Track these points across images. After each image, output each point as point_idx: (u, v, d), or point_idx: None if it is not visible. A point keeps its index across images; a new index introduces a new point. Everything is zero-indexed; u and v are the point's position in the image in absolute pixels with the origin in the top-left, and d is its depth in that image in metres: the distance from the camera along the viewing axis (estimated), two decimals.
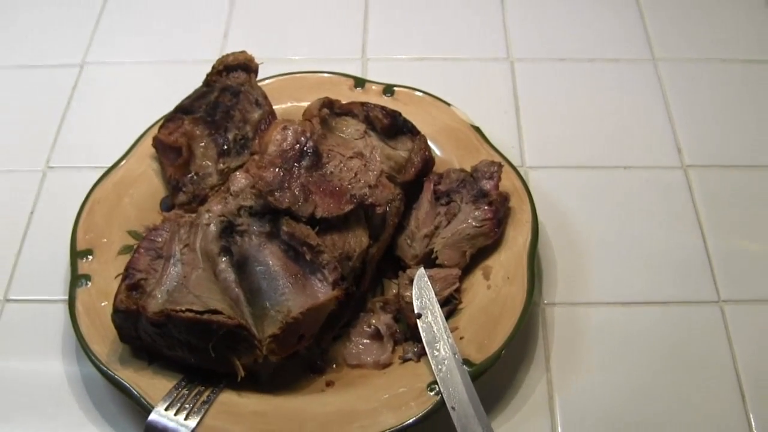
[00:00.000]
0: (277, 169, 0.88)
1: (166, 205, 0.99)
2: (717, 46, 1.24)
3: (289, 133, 0.90)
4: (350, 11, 1.29)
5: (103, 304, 0.91)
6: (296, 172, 0.88)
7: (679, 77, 1.20)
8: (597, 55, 1.23)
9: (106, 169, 1.02)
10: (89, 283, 0.92)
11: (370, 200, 0.89)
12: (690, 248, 1.01)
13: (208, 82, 1.03)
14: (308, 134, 0.90)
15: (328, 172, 0.90)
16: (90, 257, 0.94)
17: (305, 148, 0.90)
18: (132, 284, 0.85)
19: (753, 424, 0.88)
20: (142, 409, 0.84)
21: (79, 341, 0.88)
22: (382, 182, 0.91)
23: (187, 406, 0.84)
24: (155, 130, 1.03)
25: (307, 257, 0.85)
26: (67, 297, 0.95)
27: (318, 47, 1.22)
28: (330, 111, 0.95)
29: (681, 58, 1.23)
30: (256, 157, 0.93)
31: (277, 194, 0.87)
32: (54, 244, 1.01)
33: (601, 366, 0.92)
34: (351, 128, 0.95)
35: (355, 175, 0.90)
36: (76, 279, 0.92)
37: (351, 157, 0.91)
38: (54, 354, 0.94)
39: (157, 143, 1.01)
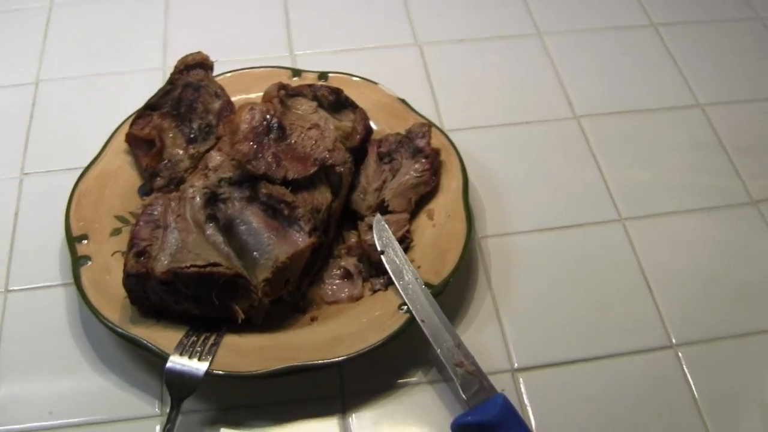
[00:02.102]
0: (251, 143, 1.03)
1: (144, 191, 1.11)
2: (593, 18, 1.45)
3: (256, 112, 1.05)
4: (272, 14, 1.44)
5: (106, 277, 1.02)
6: (267, 144, 1.04)
7: (562, 46, 1.39)
8: (491, 33, 1.41)
9: (81, 169, 1.13)
10: (90, 262, 1.03)
11: (330, 161, 1.05)
12: (591, 181, 1.20)
13: (172, 80, 1.16)
14: (272, 112, 1.06)
15: (293, 141, 1.05)
16: (86, 241, 1.05)
17: (271, 124, 1.05)
18: (138, 251, 0.97)
19: (661, 311, 1.06)
20: (158, 358, 0.95)
21: (91, 311, 0.98)
22: (338, 146, 1.07)
23: (198, 350, 0.96)
24: (124, 129, 1.15)
25: (285, 212, 1.00)
26: (64, 281, 1.07)
27: (251, 49, 1.36)
28: (285, 92, 1.11)
29: (562, 30, 1.42)
30: (224, 138, 1.08)
31: (254, 163, 1.02)
32: (42, 237, 1.11)
33: (532, 281, 1.09)
34: (304, 106, 1.11)
35: (315, 142, 1.06)
36: (78, 260, 1.03)
37: (309, 128, 1.07)
38: (63, 331, 1.04)
39: (130, 138, 1.13)
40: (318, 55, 1.37)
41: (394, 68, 1.34)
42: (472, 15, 1.45)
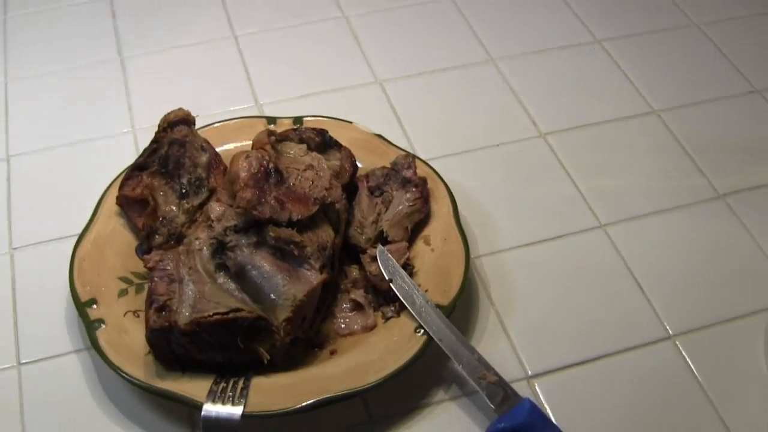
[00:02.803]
0: (253, 189, 1.06)
1: (142, 251, 1.12)
2: (540, 40, 1.52)
3: (253, 159, 1.08)
4: (232, 68, 1.47)
5: (124, 337, 1.03)
6: (268, 189, 1.07)
7: (516, 69, 1.46)
8: (447, 64, 1.46)
9: (69, 237, 1.15)
10: (104, 325, 1.04)
11: (329, 199, 1.09)
12: (567, 193, 1.26)
13: (157, 139, 1.18)
14: (267, 158, 1.09)
15: (291, 184, 1.08)
16: (95, 305, 1.06)
17: (269, 169, 1.08)
18: (159, 306, 0.99)
19: (654, 306, 1.12)
20: (192, 408, 0.97)
21: (115, 371, 0.99)
22: (334, 184, 1.10)
23: (230, 395, 0.98)
24: (112, 192, 1.17)
25: (295, 253, 1.03)
26: (75, 348, 1.08)
27: (217, 104, 1.38)
28: (275, 138, 1.14)
29: (514, 54, 1.49)
30: (220, 188, 1.11)
31: (259, 208, 1.04)
32: (45, 308, 1.12)
33: (530, 292, 1.14)
34: (294, 149, 1.14)
35: (312, 182, 1.09)
36: (91, 324, 1.04)
37: (305, 170, 1.10)
38: (84, 396, 1.04)
39: (122, 200, 1.15)
40: (283, 102, 1.40)
41: (360, 107, 1.38)
42: (425, 49, 1.50)
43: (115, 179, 1.19)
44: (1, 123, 1.39)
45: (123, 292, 1.09)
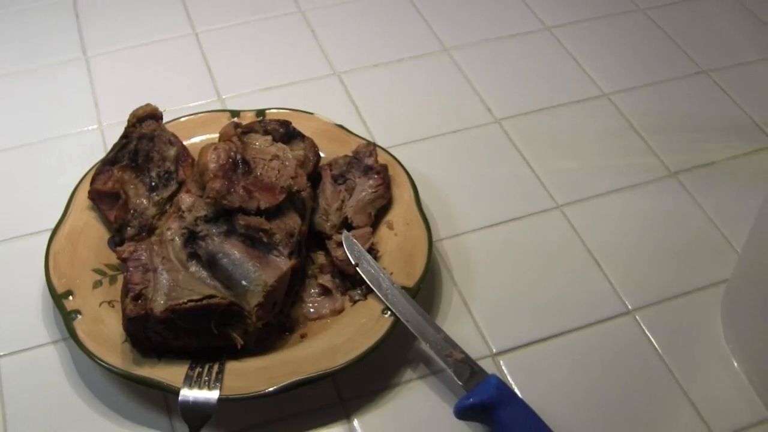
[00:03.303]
0: (222, 180, 1.09)
1: (114, 243, 1.15)
2: (491, 29, 1.57)
3: (221, 151, 1.11)
4: (193, 64, 1.50)
5: (100, 327, 1.06)
6: (236, 179, 1.10)
7: (470, 58, 1.50)
8: (402, 55, 1.51)
9: (41, 232, 1.19)
10: (80, 316, 1.07)
11: (295, 187, 1.12)
12: (523, 176, 1.30)
13: (126, 134, 1.21)
14: (234, 149, 1.13)
15: (259, 173, 1.12)
16: (71, 297, 1.09)
17: (236, 160, 1.11)
18: (135, 295, 1.01)
19: (612, 282, 1.17)
20: (169, 393, 1.01)
21: (93, 360, 1.02)
22: (299, 173, 1.14)
23: (206, 379, 1.01)
24: (83, 187, 1.20)
25: (264, 240, 1.06)
26: (52, 338, 1.11)
27: (180, 99, 1.41)
28: (240, 130, 1.18)
29: (466, 43, 1.53)
30: (189, 180, 1.14)
31: (228, 198, 1.07)
32: (19, 301, 1.14)
33: (492, 273, 1.18)
34: (259, 140, 1.17)
35: (279, 171, 1.13)
36: (68, 315, 1.06)
37: (271, 160, 1.14)
38: (63, 386, 1.07)
39: (94, 194, 1.17)
40: (245, 95, 1.43)
41: (319, 99, 1.41)
42: (379, 40, 1.54)
43: (86, 174, 1.22)
44: None
45: (97, 284, 1.12)
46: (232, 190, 1.08)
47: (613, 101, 1.43)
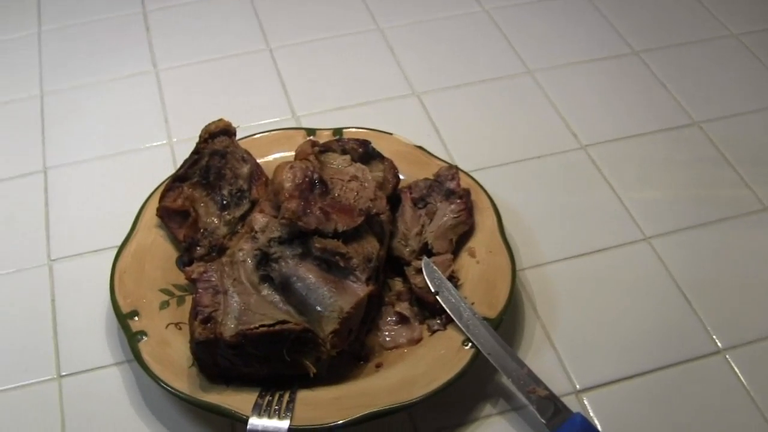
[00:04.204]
0: (298, 200, 1.04)
1: (183, 263, 1.12)
2: (576, 52, 1.51)
3: (297, 170, 1.07)
4: (267, 80, 1.46)
5: (166, 350, 1.02)
6: (313, 199, 1.05)
7: (554, 81, 1.45)
8: (484, 77, 1.45)
9: (108, 249, 1.15)
10: (146, 337, 1.03)
11: (374, 210, 1.07)
12: (609, 205, 1.24)
13: (198, 150, 1.17)
14: (312, 168, 1.08)
15: (336, 194, 1.07)
16: (137, 317, 1.05)
17: (313, 180, 1.07)
18: (204, 318, 0.97)
19: (702, 319, 1.10)
20: (237, 421, 0.96)
21: (158, 384, 0.98)
22: (378, 195, 1.09)
23: (276, 408, 0.96)
24: (151, 204, 1.16)
25: (341, 264, 1.02)
26: (115, 360, 1.07)
27: (251, 116, 1.37)
28: (318, 149, 1.13)
29: (550, 66, 1.48)
30: (262, 200, 1.10)
31: (304, 219, 1.03)
32: (85, 320, 1.11)
33: (575, 305, 1.12)
34: (337, 160, 1.13)
35: (357, 193, 1.08)
36: (133, 336, 1.03)
37: (349, 180, 1.09)
38: (125, 410, 1.03)
39: (162, 212, 1.14)
40: (320, 114, 1.39)
41: (397, 119, 1.37)
42: (460, 61, 1.50)
43: (155, 191, 1.18)
44: (37, 135, 1.39)
45: (164, 305, 1.08)
46: (309, 211, 1.04)
47: (704, 129, 1.36)
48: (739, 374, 1.06)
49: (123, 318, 1.05)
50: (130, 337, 1.03)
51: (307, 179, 1.07)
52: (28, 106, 1.44)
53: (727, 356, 1.07)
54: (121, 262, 1.11)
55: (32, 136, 1.38)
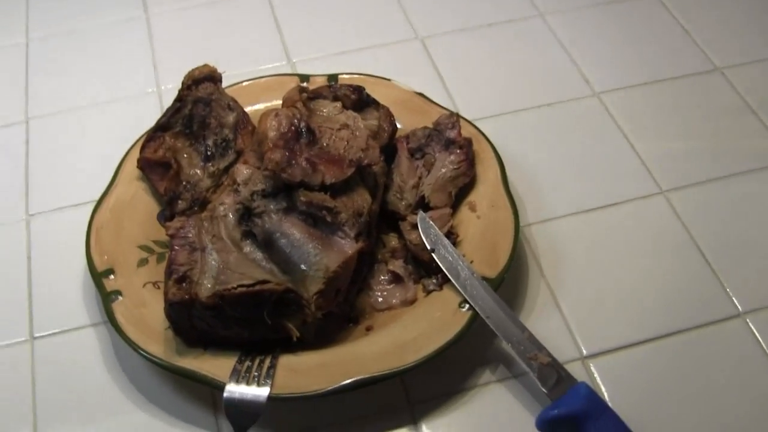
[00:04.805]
0: (282, 150, 0.97)
1: (164, 217, 1.05)
2: None
3: (282, 118, 0.99)
4: (262, 23, 1.39)
5: (142, 311, 0.96)
6: (298, 150, 0.98)
7: (566, 24, 1.37)
8: (491, 19, 1.37)
9: (89, 203, 1.08)
10: (121, 297, 0.97)
11: (366, 161, 1.00)
12: (624, 157, 1.17)
13: (180, 97, 1.10)
14: (298, 116, 1.00)
15: (324, 144, 1.00)
16: (112, 276, 0.99)
17: (300, 128, 0.99)
18: (179, 277, 0.91)
19: (722, 280, 1.03)
20: (213, 388, 0.90)
21: (131, 347, 0.92)
22: (371, 144, 1.01)
23: (255, 375, 0.90)
24: (133, 155, 1.10)
25: (328, 219, 0.95)
26: (92, 321, 1.02)
27: (245, 61, 1.30)
28: (306, 95, 1.05)
29: (564, 9, 1.39)
30: (248, 150, 1.03)
31: (289, 171, 0.96)
32: (61, 278, 1.06)
33: (584, 264, 1.05)
34: (328, 107, 1.05)
35: (348, 142, 1.01)
36: (108, 296, 0.97)
37: (339, 129, 1.02)
38: (100, 372, 0.98)
39: (143, 163, 1.07)
40: (317, 59, 1.32)
41: (399, 65, 1.30)
42: (466, 2, 1.41)
43: (137, 141, 1.12)
44: (21, 84, 1.33)
45: (143, 262, 1.02)
46: (294, 162, 0.97)
47: (726, 76, 1.27)
48: (761, 340, 0.98)
49: (98, 276, 1.00)
50: (104, 297, 0.98)
51: (292, 128, 0.99)
52: (12, 54, 1.37)
53: (748, 320, 1.00)
54: (98, 217, 1.06)
55: (16, 85, 1.32)
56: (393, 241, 1.05)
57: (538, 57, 1.32)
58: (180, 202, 1.04)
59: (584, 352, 0.98)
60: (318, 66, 1.28)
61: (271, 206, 0.96)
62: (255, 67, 1.30)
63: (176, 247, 0.94)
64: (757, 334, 0.98)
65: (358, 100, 1.08)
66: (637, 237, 1.08)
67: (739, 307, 1.01)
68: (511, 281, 1.02)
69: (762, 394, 0.94)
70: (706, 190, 1.13)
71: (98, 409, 0.96)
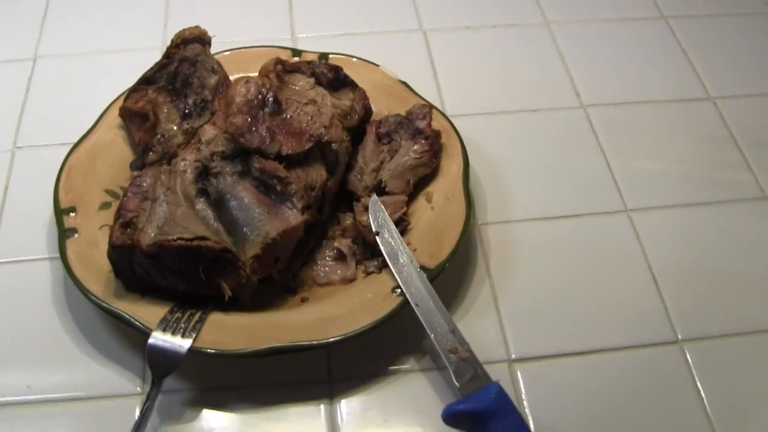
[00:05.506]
0: (245, 116, 0.99)
1: (136, 166, 1.08)
2: (603, 9, 1.42)
3: (251, 85, 1.02)
4: None
5: (93, 251, 0.99)
6: (261, 118, 1.00)
7: (571, 36, 1.37)
8: (498, 21, 1.38)
9: (74, 143, 1.11)
10: (77, 235, 1.00)
11: (326, 138, 1.02)
12: (596, 170, 1.17)
13: (168, 54, 1.13)
14: (268, 86, 1.03)
15: (288, 116, 1.02)
16: (73, 214, 1.03)
17: (266, 98, 1.02)
18: (125, 222, 0.94)
19: (667, 304, 1.02)
20: (141, 334, 0.92)
21: (75, 283, 0.95)
22: (335, 123, 1.03)
23: (182, 326, 0.93)
24: (119, 104, 1.13)
25: (278, 188, 0.97)
26: (50, 255, 1.05)
27: (252, 31, 1.33)
28: (282, 68, 1.08)
29: (571, 20, 1.39)
30: (219, 112, 1.05)
31: (247, 136, 0.98)
32: (32, 211, 1.09)
33: (533, 270, 1.05)
34: (302, 82, 1.07)
35: (312, 118, 1.03)
36: (64, 232, 1.00)
37: (306, 104, 1.04)
38: (46, 304, 1.01)
39: (124, 112, 1.11)
40: (320, 38, 1.34)
41: (398, 53, 1.31)
42: (478, 2, 1.42)
43: (124, 92, 1.15)
44: (37, 22, 1.37)
45: (105, 205, 1.05)
46: (254, 128, 0.99)
47: (718, 106, 1.26)
48: (693, 369, 0.97)
49: (59, 213, 1.03)
50: (61, 233, 1.01)
51: (259, 96, 1.02)
52: None
53: (684, 348, 0.99)
54: (73, 157, 1.09)
55: (32, 24, 1.37)
56: (348, 220, 1.07)
57: (533, 62, 1.32)
58: (151, 153, 1.07)
59: (513, 355, 0.98)
60: (319, 44, 1.28)
61: (228, 168, 0.99)
62: (258, 36, 1.31)
63: (129, 194, 0.97)
64: (690, 363, 0.98)
65: (335, 79, 1.10)
66: (592, 251, 1.08)
67: (679, 334, 1.00)
68: (455, 276, 1.03)
69: (683, 421, 0.94)
70: (670, 215, 1.12)
71: (37, 339, 0.99)
